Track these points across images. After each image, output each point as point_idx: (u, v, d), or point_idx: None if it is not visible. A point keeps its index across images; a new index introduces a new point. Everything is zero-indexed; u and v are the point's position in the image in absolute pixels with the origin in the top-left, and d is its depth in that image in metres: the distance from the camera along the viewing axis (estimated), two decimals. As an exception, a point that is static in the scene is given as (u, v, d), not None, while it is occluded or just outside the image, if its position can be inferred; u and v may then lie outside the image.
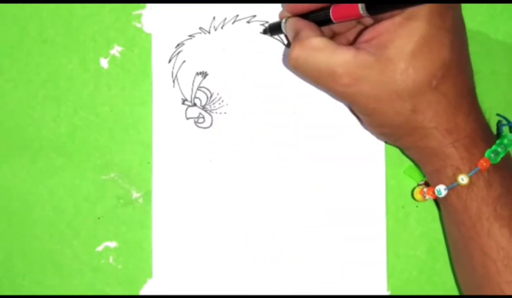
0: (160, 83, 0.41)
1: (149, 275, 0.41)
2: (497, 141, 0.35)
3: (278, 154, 0.41)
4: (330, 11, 0.35)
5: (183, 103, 0.41)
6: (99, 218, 0.41)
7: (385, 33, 0.33)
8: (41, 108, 0.41)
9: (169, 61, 0.41)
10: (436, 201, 0.40)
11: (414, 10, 0.33)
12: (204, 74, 0.41)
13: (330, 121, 0.41)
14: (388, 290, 0.41)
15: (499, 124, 0.40)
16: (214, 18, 0.41)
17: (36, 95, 0.41)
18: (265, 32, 0.41)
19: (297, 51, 0.35)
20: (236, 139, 0.41)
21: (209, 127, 0.41)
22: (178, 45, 0.41)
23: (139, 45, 0.41)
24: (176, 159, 0.41)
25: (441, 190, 0.36)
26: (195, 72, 0.41)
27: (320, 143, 0.41)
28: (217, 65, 0.41)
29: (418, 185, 0.40)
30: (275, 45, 0.41)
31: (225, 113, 0.41)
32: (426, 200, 0.39)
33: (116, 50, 0.41)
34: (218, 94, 0.41)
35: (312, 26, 0.36)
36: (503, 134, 0.36)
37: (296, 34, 0.36)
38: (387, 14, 0.33)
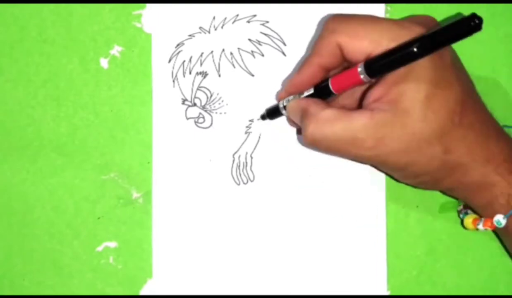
0: (160, 83, 0.41)
1: (149, 275, 0.41)
2: None
3: (278, 153, 0.41)
4: (329, 84, 0.35)
5: (183, 103, 0.41)
6: (99, 218, 0.41)
7: (393, 87, 0.33)
8: (41, 108, 0.41)
9: (169, 61, 0.41)
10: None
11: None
12: (204, 74, 0.41)
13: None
14: (388, 290, 0.41)
15: None
16: (214, 18, 0.41)
17: (36, 95, 0.41)
18: (263, 117, 0.40)
19: (312, 127, 0.34)
20: (236, 139, 0.41)
21: (209, 127, 0.41)
22: (178, 45, 0.41)
23: (139, 45, 0.41)
24: (176, 159, 0.41)
25: (500, 220, 0.35)
26: (195, 72, 0.41)
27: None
28: (217, 65, 0.41)
29: (459, 211, 0.40)
30: (275, 45, 0.41)
31: (225, 113, 0.41)
32: (479, 230, 0.37)
33: (116, 50, 0.41)
34: (218, 94, 0.41)
35: (317, 100, 0.36)
36: None
37: (305, 113, 0.35)
38: None
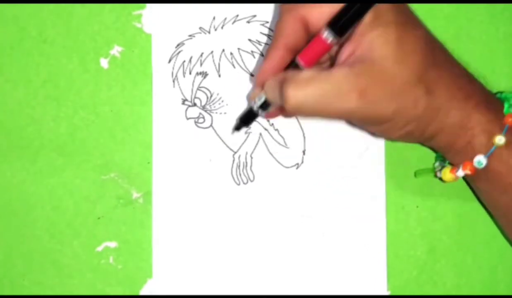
0: (160, 83, 0.41)
1: (149, 275, 0.41)
2: (504, 96, 0.36)
3: (278, 152, 0.41)
4: (298, 61, 0.34)
5: (183, 103, 0.41)
6: (99, 218, 0.41)
7: (363, 39, 0.33)
8: (41, 108, 0.41)
9: (169, 61, 0.41)
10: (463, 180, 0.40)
11: (375, 6, 0.33)
12: (204, 74, 0.41)
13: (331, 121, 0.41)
14: (388, 290, 0.41)
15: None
16: (214, 18, 0.41)
17: (36, 95, 0.41)
18: (237, 128, 0.39)
19: (293, 90, 0.32)
20: (236, 139, 0.41)
21: (209, 127, 0.41)
22: (178, 45, 0.41)
23: (139, 45, 0.41)
24: (176, 159, 0.41)
25: (481, 160, 0.35)
26: (195, 72, 0.41)
27: (321, 142, 0.41)
28: (217, 65, 0.41)
29: (436, 170, 0.39)
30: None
31: (225, 113, 0.41)
32: (457, 178, 0.37)
33: (116, 50, 0.41)
34: (218, 94, 0.41)
35: (292, 70, 0.34)
36: (503, 93, 0.37)
37: (282, 82, 0.33)
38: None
